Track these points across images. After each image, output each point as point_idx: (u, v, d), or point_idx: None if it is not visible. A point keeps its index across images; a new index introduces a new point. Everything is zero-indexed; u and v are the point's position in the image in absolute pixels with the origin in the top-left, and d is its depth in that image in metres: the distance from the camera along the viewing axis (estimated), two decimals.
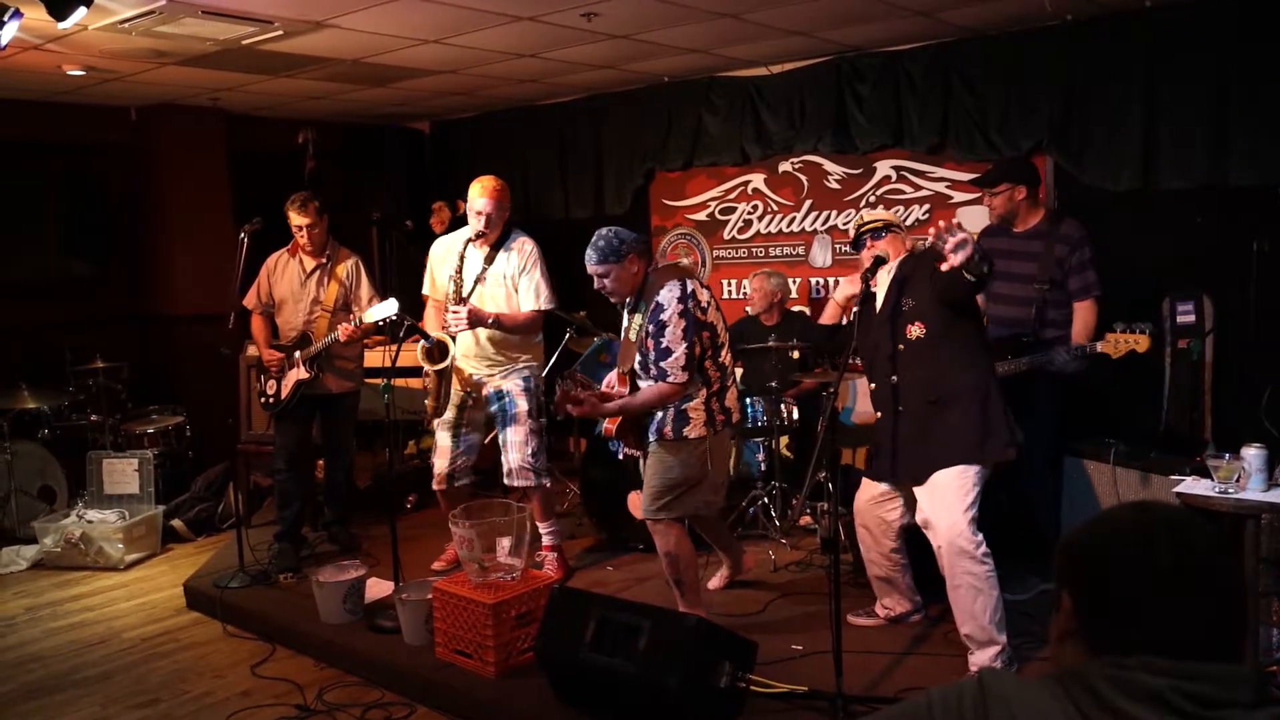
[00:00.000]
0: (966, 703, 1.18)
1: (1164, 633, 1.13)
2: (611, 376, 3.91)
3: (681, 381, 3.54)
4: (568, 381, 3.66)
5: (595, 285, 3.70)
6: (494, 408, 4.47)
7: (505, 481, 4.47)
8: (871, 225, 3.66)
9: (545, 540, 4.61)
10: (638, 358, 3.67)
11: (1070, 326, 4.09)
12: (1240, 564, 3.06)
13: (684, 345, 3.51)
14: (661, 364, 3.54)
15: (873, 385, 3.62)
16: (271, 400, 4.95)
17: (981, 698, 1.17)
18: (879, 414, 3.62)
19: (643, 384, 3.67)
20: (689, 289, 3.57)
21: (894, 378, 3.49)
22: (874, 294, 3.59)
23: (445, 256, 4.52)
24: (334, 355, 4.91)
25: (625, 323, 3.77)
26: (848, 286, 3.75)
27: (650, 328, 3.57)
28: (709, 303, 3.65)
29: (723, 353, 3.68)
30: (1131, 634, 1.14)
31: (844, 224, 5.85)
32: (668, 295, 3.54)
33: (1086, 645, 1.18)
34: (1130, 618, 1.15)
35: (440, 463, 4.55)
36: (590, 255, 3.64)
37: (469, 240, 4.40)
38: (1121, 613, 1.15)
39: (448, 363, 4.30)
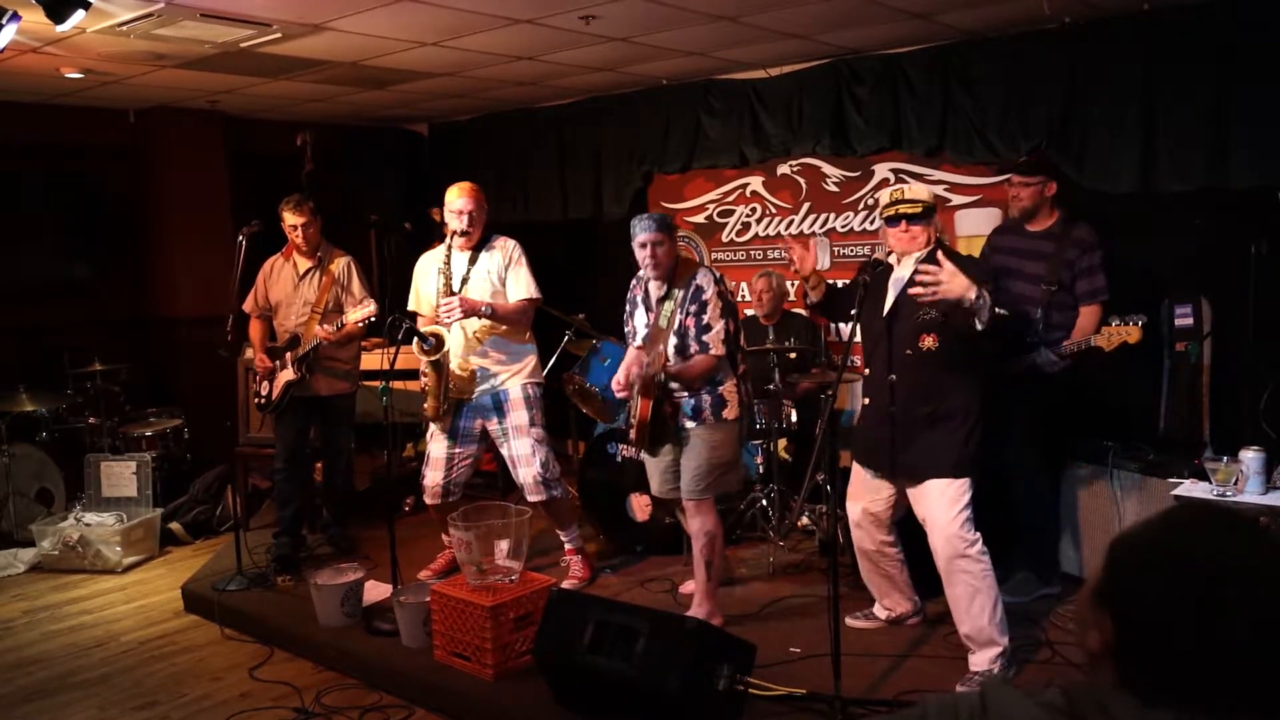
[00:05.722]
0: (963, 716, 1.10)
1: (1214, 691, 0.99)
2: (630, 356, 4.04)
3: (722, 354, 3.84)
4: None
5: (644, 254, 3.88)
6: (492, 419, 4.38)
7: (527, 496, 4.38)
8: (911, 208, 3.35)
9: (568, 545, 4.60)
10: (674, 341, 3.86)
11: (1072, 330, 4.09)
12: None
13: (722, 322, 3.84)
14: (704, 338, 3.83)
15: (868, 371, 3.62)
16: (263, 401, 5.02)
17: (982, 714, 1.09)
18: (867, 399, 3.61)
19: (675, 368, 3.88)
20: (719, 276, 3.96)
21: (892, 377, 3.47)
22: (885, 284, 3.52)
23: (427, 270, 4.50)
24: (322, 357, 4.91)
25: (654, 313, 3.96)
26: (806, 257, 3.74)
27: (691, 308, 3.86)
28: (731, 294, 4.04)
29: (740, 340, 4.00)
30: (1173, 685, 1.00)
31: (842, 227, 5.86)
32: (706, 279, 3.89)
33: (1117, 674, 1.05)
34: (1180, 669, 0.99)
35: (434, 475, 4.43)
36: (649, 224, 3.88)
37: (450, 246, 4.38)
38: (1172, 664, 1.00)
39: (443, 353, 4.28)
